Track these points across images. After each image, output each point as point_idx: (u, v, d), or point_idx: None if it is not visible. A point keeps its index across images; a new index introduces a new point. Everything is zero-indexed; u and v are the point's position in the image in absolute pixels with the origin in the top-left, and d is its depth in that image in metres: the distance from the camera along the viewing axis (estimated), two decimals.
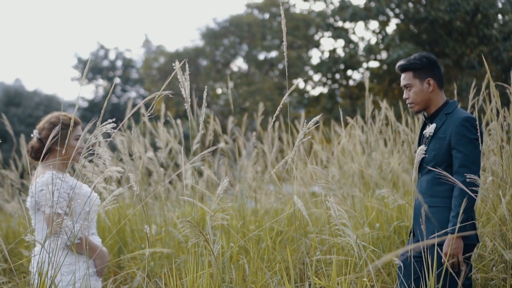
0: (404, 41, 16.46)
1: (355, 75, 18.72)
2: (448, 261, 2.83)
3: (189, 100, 2.47)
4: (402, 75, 3.21)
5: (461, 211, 2.74)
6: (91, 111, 28.06)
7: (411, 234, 3.23)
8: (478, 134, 2.99)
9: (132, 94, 30.27)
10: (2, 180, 6.94)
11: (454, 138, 2.96)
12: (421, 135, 3.24)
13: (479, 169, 2.95)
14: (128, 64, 30.24)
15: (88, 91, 31.57)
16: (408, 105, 3.22)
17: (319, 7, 22.53)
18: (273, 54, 22.45)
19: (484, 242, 3.63)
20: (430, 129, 3.03)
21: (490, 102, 4.51)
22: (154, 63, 24.62)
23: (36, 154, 2.93)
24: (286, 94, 2.72)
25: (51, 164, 2.87)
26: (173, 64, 2.50)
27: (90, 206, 2.88)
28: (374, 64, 18.21)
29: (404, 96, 3.23)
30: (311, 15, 20.74)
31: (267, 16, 22.87)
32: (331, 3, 19.56)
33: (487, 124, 4.78)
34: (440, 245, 2.90)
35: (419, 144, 3.26)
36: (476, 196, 2.88)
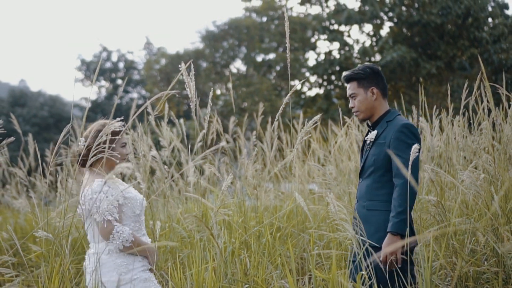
0: (397, 43, 16.49)
1: None
2: (387, 259, 2.85)
3: (194, 100, 2.48)
4: (348, 85, 3.26)
5: (404, 209, 2.82)
6: (94, 112, 28.04)
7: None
8: (416, 140, 3.03)
9: (134, 95, 30.28)
10: (9, 177, 6.95)
11: (394, 143, 2.99)
12: (364, 142, 3.28)
13: (418, 172, 2.99)
14: (130, 66, 30.25)
15: (91, 92, 31.52)
16: (354, 113, 3.26)
17: (315, 10, 22.56)
18: (271, 56, 22.46)
19: (476, 237, 3.66)
20: (372, 135, 3.07)
21: (482, 102, 4.54)
22: (155, 64, 24.60)
23: (84, 162, 2.91)
24: (288, 95, 2.74)
25: (98, 170, 2.88)
26: (179, 66, 2.51)
27: (139, 209, 2.90)
28: None
29: (350, 105, 3.28)
30: (307, 19, 20.75)
31: (265, 19, 22.87)
32: (327, 6, 19.59)
33: (479, 123, 4.80)
34: (379, 246, 2.93)
35: (362, 151, 3.30)
36: (415, 197, 2.94)
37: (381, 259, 2.87)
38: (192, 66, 2.57)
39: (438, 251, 3.49)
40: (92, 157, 2.65)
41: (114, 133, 2.87)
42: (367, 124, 3.28)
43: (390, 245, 2.84)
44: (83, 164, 2.91)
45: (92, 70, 29.13)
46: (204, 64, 23.07)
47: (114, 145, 2.84)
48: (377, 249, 2.92)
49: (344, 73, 3.27)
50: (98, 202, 2.68)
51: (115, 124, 2.77)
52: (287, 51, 2.61)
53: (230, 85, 22.21)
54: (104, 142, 2.73)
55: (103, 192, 2.72)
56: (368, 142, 3.15)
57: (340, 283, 2.68)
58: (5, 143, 2.29)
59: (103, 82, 30.16)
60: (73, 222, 2.55)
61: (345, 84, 3.30)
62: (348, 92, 3.25)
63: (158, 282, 2.93)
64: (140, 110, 2.24)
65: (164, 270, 3.97)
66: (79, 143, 2.90)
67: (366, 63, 3.30)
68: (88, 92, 33.88)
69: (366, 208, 3.04)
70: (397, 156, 2.92)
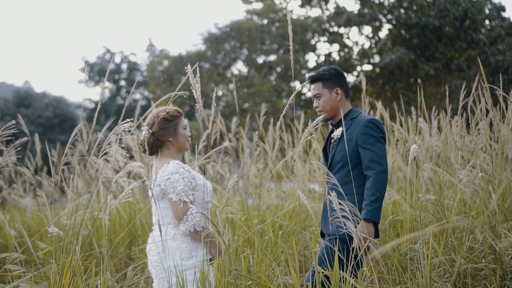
0: (396, 45, 16.51)
1: (350, 78, 18.77)
2: (361, 245, 2.90)
3: (200, 101, 2.51)
4: (312, 86, 3.33)
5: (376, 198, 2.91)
6: (98, 112, 28.07)
7: (323, 236, 3.31)
8: (382, 134, 3.12)
9: (137, 96, 30.30)
10: (15, 177, 6.98)
11: (361, 138, 3.07)
12: (327, 140, 3.35)
13: (387, 164, 3.06)
14: (133, 67, 30.27)
15: (94, 93, 31.58)
16: (318, 113, 3.32)
17: (315, 13, 22.55)
18: (272, 58, 22.49)
19: (474, 235, 3.68)
20: (338, 132, 3.12)
21: (480, 103, 4.56)
22: (158, 66, 24.63)
23: (151, 149, 2.97)
24: (292, 96, 2.77)
25: (165, 156, 2.94)
26: (185, 68, 2.54)
27: (208, 196, 2.94)
28: (367, 67, 18.27)
29: (314, 105, 3.33)
30: (307, 21, 20.77)
31: (265, 21, 22.89)
32: (327, 9, 19.61)
33: (477, 124, 4.83)
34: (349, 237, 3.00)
35: (325, 150, 3.37)
36: (386, 187, 3.02)
37: (353, 245, 2.94)
38: (198, 68, 2.60)
39: (437, 248, 3.51)
40: (159, 142, 2.78)
41: (176, 117, 2.94)
42: (331, 124, 3.35)
43: (364, 232, 2.92)
44: (151, 152, 2.95)
45: (96, 71, 29.18)
46: (206, 66, 23.09)
47: (174, 129, 2.92)
48: (343, 239, 3.00)
49: (310, 74, 3.33)
50: (175, 183, 2.72)
51: (173, 108, 2.84)
52: (291, 53, 2.64)
53: (231, 86, 22.24)
54: (170, 127, 2.82)
55: (179, 173, 2.76)
56: (334, 139, 3.21)
57: (342, 278, 2.70)
58: (18, 143, 2.32)
59: (106, 83, 30.21)
60: (84, 219, 2.58)
61: (310, 85, 3.36)
62: (313, 92, 3.31)
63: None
64: (149, 111, 2.27)
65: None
66: (143, 131, 2.95)
67: (331, 65, 3.39)
68: (91, 93, 33.94)
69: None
70: (366, 150, 3.03)
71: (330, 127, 3.37)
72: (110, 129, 2.74)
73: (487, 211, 3.52)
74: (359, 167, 3.11)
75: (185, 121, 3.04)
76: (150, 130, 2.93)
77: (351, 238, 3.01)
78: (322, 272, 2.73)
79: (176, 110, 2.98)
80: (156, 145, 2.93)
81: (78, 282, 2.44)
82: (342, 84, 3.29)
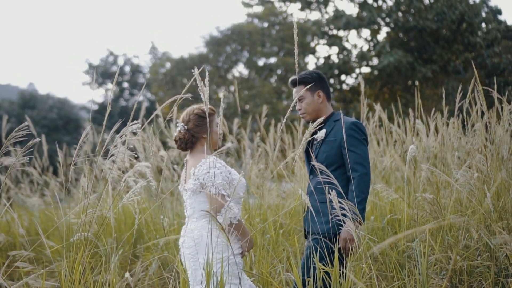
0: (394, 48, 16.56)
1: (348, 80, 18.84)
2: (347, 245, 2.94)
3: (208, 103, 2.56)
4: (295, 89, 3.36)
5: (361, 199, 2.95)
6: (101, 114, 28.11)
7: (307, 236, 3.31)
8: (365, 136, 3.15)
9: (140, 97, 30.37)
10: (21, 177, 7.02)
11: (346, 140, 3.09)
12: (310, 142, 3.39)
13: (369, 166, 3.11)
14: (135, 70, 30.31)
15: (98, 95, 31.62)
16: (301, 115, 3.37)
17: (315, 16, 22.63)
18: (272, 60, 22.54)
19: (470, 233, 3.73)
20: (321, 133, 3.12)
21: (476, 104, 4.60)
22: (160, 68, 24.68)
23: (186, 144, 3.02)
24: (294, 100, 2.82)
25: (200, 151, 3.00)
26: (192, 71, 2.59)
27: (243, 191, 3.00)
28: (366, 69, 18.31)
29: (297, 107, 3.37)
30: (307, 24, 20.82)
31: (266, 25, 22.95)
32: (326, 12, 19.66)
33: (473, 125, 4.87)
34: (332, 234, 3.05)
35: (307, 151, 3.40)
36: (369, 188, 3.06)
37: (340, 245, 2.98)
38: (207, 72, 2.65)
39: (434, 246, 3.56)
40: (194, 139, 2.89)
41: (210, 115, 3.01)
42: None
43: (349, 232, 2.94)
44: (186, 147, 3.02)
45: (100, 73, 29.22)
46: (208, 68, 23.14)
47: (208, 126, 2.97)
48: (327, 237, 3.04)
49: (292, 78, 3.36)
50: (213, 177, 2.79)
51: (209, 107, 2.89)
52: (295, 57, 2.68)
53: (233, 88, 22.29)
54: (205, 124, 2.90)
55: (217, 168, 2.83)
56: (318, 140, 3.24)
57: (342, 274, 2.75)
58: (30, 144, 2.37)
59: (109, 85, 30.25)
60: (93, 217, 2.63)
61: (292, 88, 3.40)
62: (295, 95, 3.34)
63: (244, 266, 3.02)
64: (156, 112, 2.32)
65: (172, 263, 4.05)
66: (178, 128, 3.02)
67: (312, 69, 3.42)
68: (94, 95, 33.93)
69: (319, 201, 3.14)
70: (351, 151, 3.07)
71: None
72: (117, 131, 2.79)
73: (482, 209, 3.56)
74: (342, 168, 3.15)
75: (217, 119, 3.11)
76: (185, 127, 3.00)
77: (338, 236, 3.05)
78: (323, 269, 2.77)
79: (210, 108, 3.05)
80: (190, 141, 3.00)
81: (88, 278, 2.49)
82: (324, 87, 3.33)
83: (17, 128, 2.34)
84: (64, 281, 2.42)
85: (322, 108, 3.31)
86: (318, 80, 3.31)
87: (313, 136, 3.27)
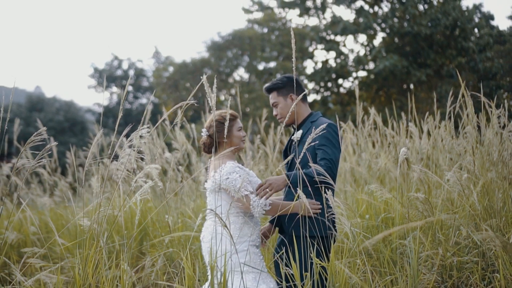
0: (390, 53, 16.65)
1: (345, 84, 18.91)
2: (267, 187, 2.99)
3: (215, 108, 2.65)
4: (270, 96, 3.41)
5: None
6: (106, 116, 28.20)
7: (280, 235, 3.35)
8: (338, 138, 3.19)
9: (143, 100, 30.42)
10: (30, 177, 7.11)
11: (319, 140, 3.13)
12: (288, 143, 3.45)
13: (337, 167, 3.13)
14: (139, 73, 30.40)
15: (103, 98, 31.67)
16: (278, 120, 3.41)
17: (313, 22, 22.73)
18: (272, 64, 22.62)
19: (460, 231, 3.80)
20: (297, 134, 3.19)
21: (466, 108, 4.68)
22: (164, 72, 24.77)
23: (209, 149, 3.19)
24: (294, 104, 2.91)
25: (223, 154, 3.12)
26: (201, 77, 2.68)
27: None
28: (362, 73, 18.39)
29: (274, 113, 3.43)
30: (306, 29, 20.92)
31: (266, 30, 23.03)
32: (324, 18, 19.76)
33: (463, 127, 4.95)
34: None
35: (285, 152, 3.46)
36: (334, 178, 3.07)
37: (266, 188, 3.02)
38: (215, 80, 2.74)
39: (425, 243, 3.63)
40: (216, 143, 3.05)
41: (229, 120, 3.11)
42: (293, 128, 3.42)
43: (277, 182, 3.00)
44: (209, 151, 3.18)
45: (105, 77, 29.31)
46: (210, 72, 23.23)
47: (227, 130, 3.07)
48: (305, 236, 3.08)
49: (265, 86, 3.42)
50: (234, 181, 2.94)
51: (229, 112, 3.02)
52: (293, 61, 2.78)
53: (233, 91, 22.36)
54: (223, 129, 3.02)
55: (235, 172, 2.98)
56: (295, 141, 3.28)
57: (338, 268, 2.84)
58: (49, 147, 2.46)
59: (114, 89, 30.34)
60: (105, 215, 2.72)
61: (267, 95, 3.45)
62: (271, 101, 3.40)
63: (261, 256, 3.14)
64: (163, 118, 2.42)
65: (179, 259, 4.13)
66: (202, 134, 3.17)
67: (284, 74, 3.48)
68: (100, 98, 33.97)
69: (296, 199, 3.17)
70: (320, 150, 3.11)
71: (292, 130, 3.44)
72: (126, 135, 2.88)
73: (468, 206, 3.64)
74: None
75: (239, 123, 3.21)
76: (207, 132, 3.15)
77: (326, 236, 3.11)
78: (319, 264, 2.86)
79: (231, 113, 3.18)
80: (213, 145, 3.15)
81: (101, 271, 2.57)
82: (297, 90, 3.35)
83: (36, 133, 2.43)
84: (78, 274, 2.50)
85: (297, 111, 3.32)
86: (289, 84, 3.34)
87: (291, 137, 3.34)
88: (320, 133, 3.05)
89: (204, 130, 3.18)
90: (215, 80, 2.72)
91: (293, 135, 3.36)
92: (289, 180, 3.01)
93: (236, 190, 2.91)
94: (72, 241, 3.58)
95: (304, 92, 3.36)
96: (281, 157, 7.08)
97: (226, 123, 2.92)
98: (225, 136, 3.01)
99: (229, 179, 2.96)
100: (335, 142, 3.16)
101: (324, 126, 3.03)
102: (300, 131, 3.17)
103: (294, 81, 3.34)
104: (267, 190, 2.97)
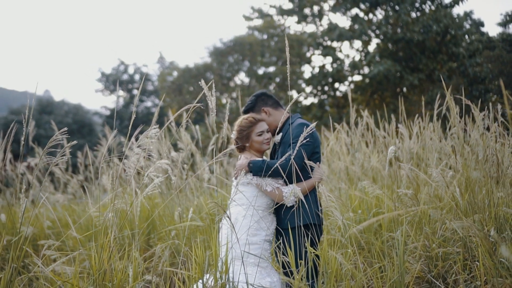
0: (384, 58, 16.79)
1: (341, 88, 19.05)
2: (239, 169, 3.24)
3: (215, 111, 2.79)
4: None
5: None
6: (112, 119, 28.33)
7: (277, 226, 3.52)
8: (307, 137, 3.31)
9: (148, 103, 30.56)
10: (42, 176, 7.24)
11: (290, 137, 3.32)
12: (274, 145, 3.64)
13: (301, 161, 3.24)
14: (145, 77, 30.54)
15: (110, 101, 31.84)
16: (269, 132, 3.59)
17: (310, 29, 22.83)
18: (271, 69, 22.76)
19: (446, 225, 3.93)
20: (277, 137, 3.45)
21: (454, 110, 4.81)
22: (168, 76, 24.91)
23: (238, 149, 3.46)
24: (289, 105, 3.05)
25: (248, 155, 3.38)
26: (199, 83, 2.82)
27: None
28: (357, 78, 18.53)
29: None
30: (303, 36, 21.06)
31: (265, 36, 23.18)
32: (321, 25, 19.92)
33: (450, 129, 5.07)
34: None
35: (272, 152, 3.65)
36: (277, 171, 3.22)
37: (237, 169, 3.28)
38: (213, 84, 2.89)
39: (412, 235, 3.76)
40: (238, 145, 3.37)
41: (248, 127, 3.38)
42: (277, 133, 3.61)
43: (241, 163, 3.24)
44: (239, 151, 3.45)
45: (112, 81, 29.44)
46: (212, 77, 23.37)
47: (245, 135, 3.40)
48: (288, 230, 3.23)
49: (243, 109, 3.64)
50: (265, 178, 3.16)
51: (249, 119, 3.31)
52: (287, 65, 2.92)
53: (235, 94, 22.49)
54: (243, 136, 3.33)
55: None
56: (276, 142, 3.52)
57: (330, 256, 2.97)
58: (68, 146, 2.59)
59: (120, 92, 30.48)
60: (119, 208, 2.85)
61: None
62: None
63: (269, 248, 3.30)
64: (173, 118, 2.55)
65: (183, 252, 4.26)
66: (232, 136, 3.45)
67: (253, 94, 3.67)
68: (106, 102, 34.14)
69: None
70: (288, 147, 3.28)
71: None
72: (133, 135, 3.01)
73: (452, 202, 3.77)
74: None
75: (259, 127, 3.40)
76: (233, 136, 3.43)
77: (314, 224, 3.28)
78: (313, 252, 2.99)
79: (250, 121, 3.42)
80: (239, 147, 3.43)
81: (115, 258, 2.71)
82: (266, 102, 3.56)
83: (57, 133, 2.57)
84: (94, 260, 2.64)
85: (275, 119, 3.53)
86: (257, 101, 3.57)
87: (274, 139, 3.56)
88: (292, 132, 3.27)
89: (234, 132, 3.45)
90: (213, 84, 2.86)
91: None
92: (250, 168, 3.23)
93: (268, 184, 3.14)
94: (84, 234, 3.72)
95: (273, 101, 3.58)
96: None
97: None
98: (246, 141, 3.33)
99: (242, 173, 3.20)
100: (305, 139, 3.25)
101: (295, 125, 3.27)
102: (280, 134, 3.36)
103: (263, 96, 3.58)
104: (239, 172, 3.24)
